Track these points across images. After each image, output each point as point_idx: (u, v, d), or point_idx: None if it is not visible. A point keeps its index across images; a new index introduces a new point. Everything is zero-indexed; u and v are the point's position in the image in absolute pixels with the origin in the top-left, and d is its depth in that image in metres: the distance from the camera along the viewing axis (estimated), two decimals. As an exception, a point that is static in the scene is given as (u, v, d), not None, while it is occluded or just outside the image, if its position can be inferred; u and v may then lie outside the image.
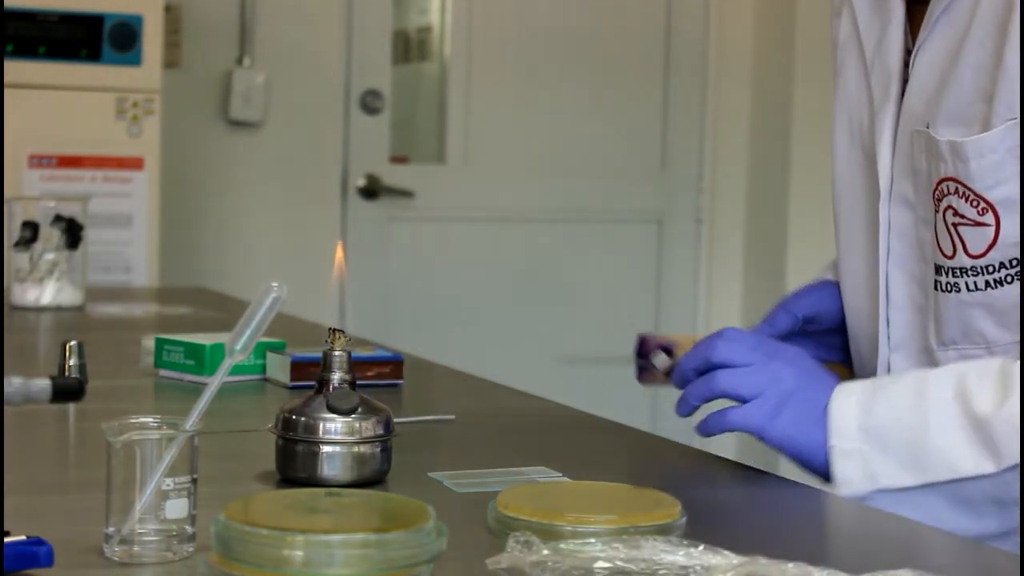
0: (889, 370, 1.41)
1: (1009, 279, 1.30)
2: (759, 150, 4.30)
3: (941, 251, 1.34)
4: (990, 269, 1.31)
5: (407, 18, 4.36)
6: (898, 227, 1.39)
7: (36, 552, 0.90)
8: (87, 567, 0.94)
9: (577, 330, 4.19)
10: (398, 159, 4.19)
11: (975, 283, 1.32)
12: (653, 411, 4.32)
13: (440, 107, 4.27)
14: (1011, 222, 1.29)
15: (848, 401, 1.26)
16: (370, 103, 4.07)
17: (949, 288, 1.34)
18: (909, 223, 1.38)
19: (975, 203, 1.30)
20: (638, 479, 1.16)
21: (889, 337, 1.41)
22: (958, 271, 1.32)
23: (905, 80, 1.38)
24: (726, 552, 0.90)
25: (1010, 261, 1.30)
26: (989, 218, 1.29)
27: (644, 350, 1.47)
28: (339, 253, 1.21)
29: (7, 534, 0.90)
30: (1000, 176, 1.28)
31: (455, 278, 4.13)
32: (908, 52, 1.38)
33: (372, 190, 4.08)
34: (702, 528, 1.05)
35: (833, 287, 1.52)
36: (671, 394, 1.40)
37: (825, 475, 1.27)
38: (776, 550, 0.91)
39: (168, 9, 3.56)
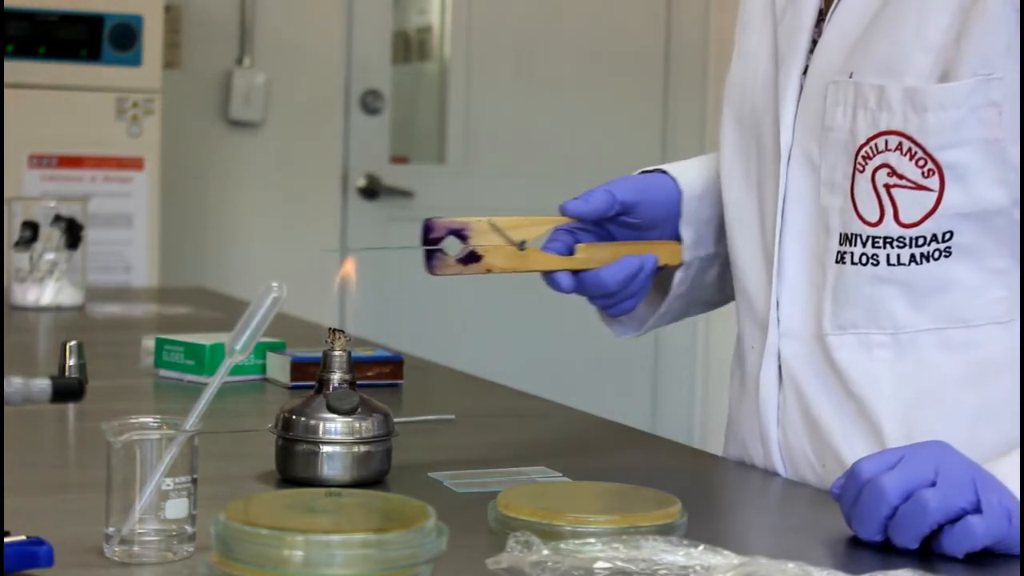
0: (780, 360, 1.30)
1: (937, 255, 1.20)
2: (759, 150, 4.30)
3: (861, 217, 1.23)
4: (920, 241, 1.21)
5: (407, 18, 4.36)
6: (796, 193, 1.28)
7: (36, 552, 0.90)
8: (87, 567, 0.94)
9: (577, 330, 4.19)
10: (398, 159, 4.19)
11: (898, 256, 1.22)
12: (653, 411, 4.32)
13: (440, 107, 4.27)
14: (957, 191, 1.19)
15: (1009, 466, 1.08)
16: (370, 103, 4.07)
17: (864, 261, 1.23)
18: (809, 188, 1.27)
19: (921, 162, 1.19)
20: (638, 479, 1.16)
21: (779, 321, 1.30)
22: (881, 241, 1.22)
23: (816, 35, 1.29)
24: (726, 552, 0.90)
25: (943, 235, 1.20)
26: (933, 182, 1.19)
27: (433, 236, 1.29)
28: (347, 267, 1.21)
29: (7, 534, 0.90)
30: (957, 137, 1.18)
31: (455, 278, 4.13)
32: (821, 12, 1.30)
33: (372, 190, 4.08)
34: (702, 528, 1.05)
35: (664, 178, 1.40)
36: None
37: None
38: (776, 550, 0.91)
39: (168, 9, 3.56)
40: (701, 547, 0.90)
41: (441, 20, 4.30)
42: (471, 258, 1.31)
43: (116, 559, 0.95)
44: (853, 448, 1.24)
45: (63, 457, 1.40)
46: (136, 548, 0.95)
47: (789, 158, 1.29)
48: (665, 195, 1.40)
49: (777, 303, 1.30)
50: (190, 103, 3.83)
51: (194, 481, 0.97)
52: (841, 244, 1.25)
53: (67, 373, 1.19)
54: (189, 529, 0.97)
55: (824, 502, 1.17)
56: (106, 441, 0.96)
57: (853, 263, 1.24)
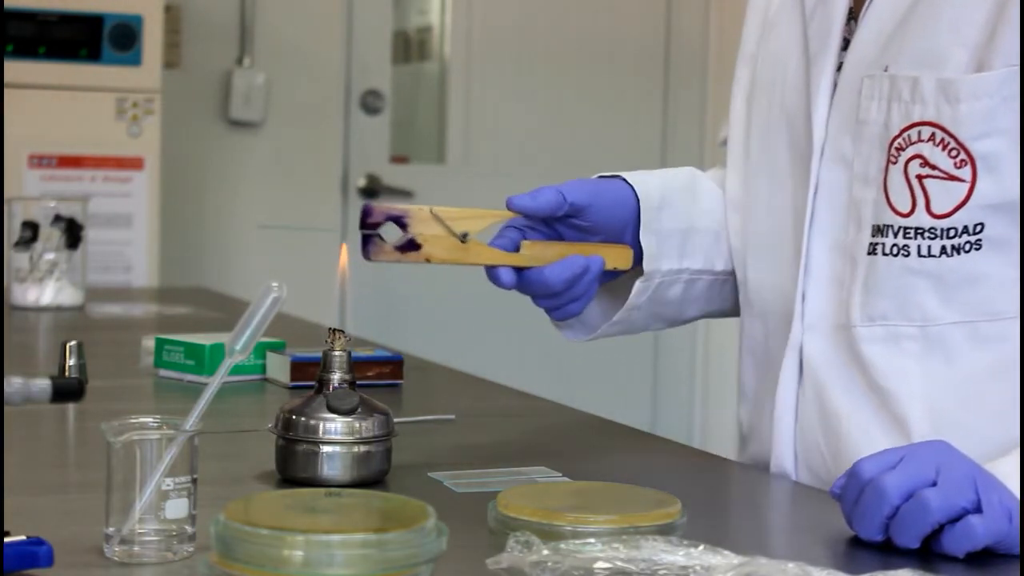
0: (801, 353, 1.31)
1: (968, 247, 1.22)
2: (759, 150, 4.30)
3: (893, 208, 1.24)
4: (951, 233, 1.22)
5: (407, 18, 4.36)
6: (827, 187, 1.30)
7: (36, 552, 0.90)
8: (87, 567, 0.94)
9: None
10: (398, 159, 4.19)
11: (929, 248, 1.22)
12: (653, 411, 4.32)
13: (440, 107, 4.27)
14: (989, 182, 1.20)
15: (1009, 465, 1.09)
16: (370, 103, 4.07)
17: (895, 252, 1.24)
18: (841, 182, 1.28)
19: (954, 152, 1.21)
20: (638, 479, 1.17)
21: (804, 315, 1.31)
22: (912, 231, 1.23)
23: (847, 32, 1.31)
24: (726, 552, 0.90)
25: (975, 227, 1.21)
26: (966, 172, 1.20)
27: (371, 221, 1.26)
28: (343, 257, 1.21)
29: (7, 534, 0.90)
30: (989, 126, 1.19)
31: (455, 278, 4.13)
32: (852, 7, 1.31)
33: (372, 190, 4.08)
34: (702, 528, 1.05)
35: (620, 184, 1.38)
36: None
37: None
38: (776, 550, 0.91)
39: (168, 9, 3.56)
40: (701, 547, 0.90)
41: (441, 20, 4.30)
42: (410, 246, 1.28)
43: (116, 559, 0.95)
44: (872, 443, 1.24)
45: (63, 457, 1.40)
46: (136, 548, 0.95)
47: (822, 154, 1.30)
48: (619, 201, 1.36)
49: (803, 297, 1.31)
50: (190, 103, 3.83)
51: (194, 481, 0.97)
52: (874, 236, 1.26)
53: (67, 373, 1.19)
54: (189, 529, 0.97)
55: (824, 502, 1.17)
56: (106, 441, 0.96)
57: (884, 254, 1.25)
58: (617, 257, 1.36)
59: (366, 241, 1.26)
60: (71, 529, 1.02)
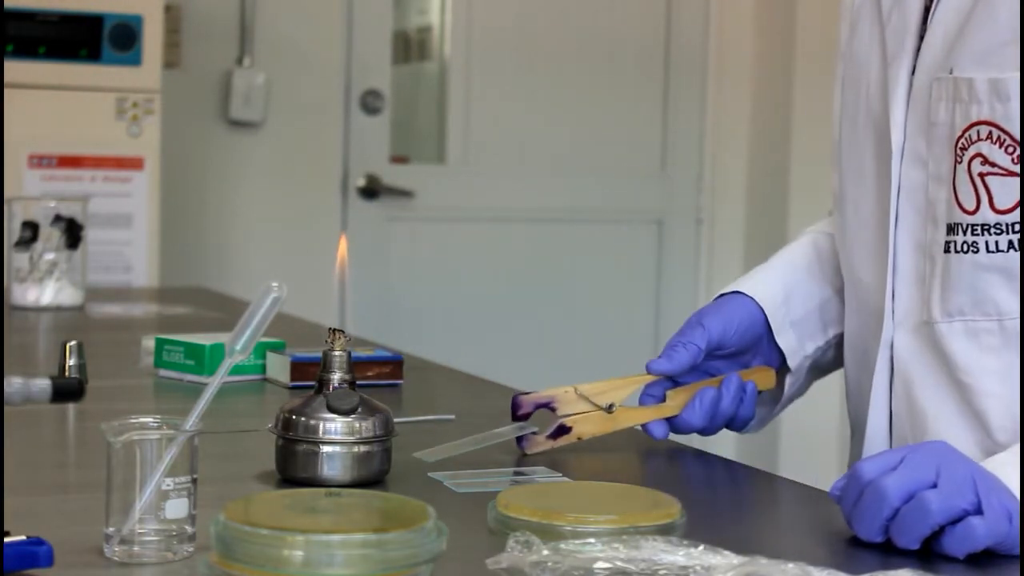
0: (892, 349, 1.34)
1: None
2: (759, 150, 4.30)
3: (961, 206, 1.26)
4: (1016, 227, 1.23)
5: (407, 18, 4.36)
6: (907, 188, 1.32)
7: (36, 552, 0.90)
8: (87, 567, 0.94)
9: (577, 330, 4.19)
10: (398, 159, 4.19)
11: (996, 243, 1.24)
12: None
13: (440, 107, 4.27)
14: None
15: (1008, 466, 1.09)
16: (370, 103, 4.07)
17: (965, 248, 1.26)
18: (919, 183, 1.31)
19: (1010, 149, 1.23)
20: (638, 479, 1.16)
21: (894, 312, 1.34)
22: (979, 228, 1.25)
23: (922, 35, 1.33)
24: (726, 552, 0.90)
25: None
26: None
27: (522, 413, 1.34)
28: (342, 247, 1.21)
29: (7, 534, 0.90)
30: None
31: (455, 278, 4.13)
32: (926, 9, 1.33)
33: (372, 190, 4.08)
34: (702, 528, 1.05)
35: (742, 300, 1.45)
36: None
37: None
38: (776, 550, 0.91)
39: (168, 9, 3.56)
40: (701, 547, 0.90)
41: (441, 20, 4.30)
42: (560, 431, 1.35)
43: (116, 559, 0.95)
44: (956, 440, 1.23)
45: (63, 457, 1.40)
46: (136, 548, 0.95)
47: (902, 155, 1.32)
48: (748, 317, 1.44)
49: (893, 295, 1.33)
50: (190, 103, 3.83)
51: (194, 481, 0.97)
52: (948, 234, 1.28)
53: (67, 373, 1.19)
54: (189, 529, 0.97)
55: (824, 502, 1.17)
56: (106, 441, 0.96)
57: (956, 251, 1.27)
58: (760, 380, 1.44)
59: (520, 437, 1.33)
60: (71, 529, 1.02)
